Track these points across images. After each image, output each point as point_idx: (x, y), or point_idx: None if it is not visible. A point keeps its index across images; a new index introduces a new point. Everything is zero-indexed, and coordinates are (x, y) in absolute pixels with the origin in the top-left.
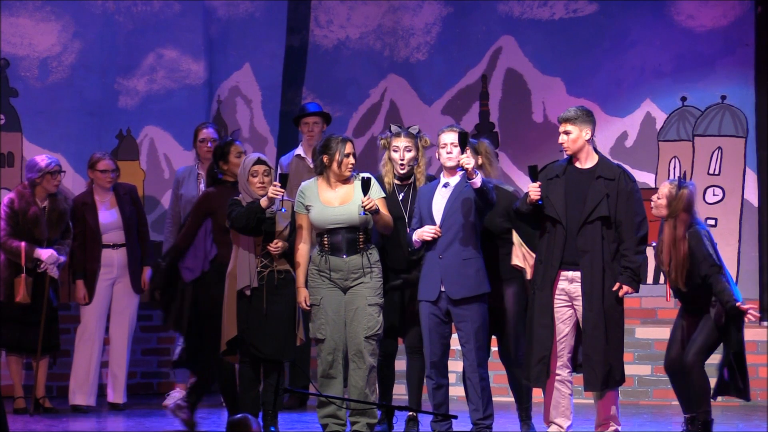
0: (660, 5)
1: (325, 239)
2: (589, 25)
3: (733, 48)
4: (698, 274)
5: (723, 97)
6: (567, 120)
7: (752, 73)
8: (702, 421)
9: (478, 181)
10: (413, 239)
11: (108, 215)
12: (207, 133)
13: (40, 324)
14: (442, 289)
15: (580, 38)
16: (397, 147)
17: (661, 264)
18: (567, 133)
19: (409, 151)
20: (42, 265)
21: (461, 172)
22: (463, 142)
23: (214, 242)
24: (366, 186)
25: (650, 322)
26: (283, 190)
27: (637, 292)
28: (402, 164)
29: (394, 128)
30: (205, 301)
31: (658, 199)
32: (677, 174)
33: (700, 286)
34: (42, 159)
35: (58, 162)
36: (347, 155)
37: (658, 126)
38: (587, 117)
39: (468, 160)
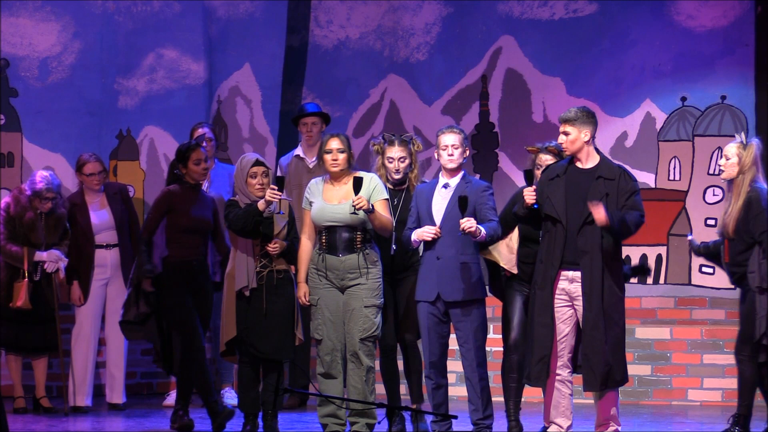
0: (660, 5)
1: (323, 237)
2: (589, 25)
3: (733, 48)
4: (749, 231)
5: (723, 97)
6: (566, 121)
7: (752, 73)
8: (740, 414)
9: (484, 234)
10: (412, 239)
11: (99, 216)
12: (202, 132)
13: (43, 324)
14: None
15: (580, 38)
16: (392, 157)
17: (722, 226)
18: (566, 133)
19: (404, 160)
20: (46, 265)
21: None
22: (463, 207)
23: (169, 241)
24: (357, 185)
25: (650, 322)
26: (280, 193)
27: (610, 231)
28: (398, 171)
29: (387, 137)
30: (159, 301)
31: (727, 159)
32: (738, 138)
33: (745, 250)
34: (41, 179)
35: (53, 187)
36: (328, 151)
37: (658, 126)
38: (587, 118)
39: (470, 224)
